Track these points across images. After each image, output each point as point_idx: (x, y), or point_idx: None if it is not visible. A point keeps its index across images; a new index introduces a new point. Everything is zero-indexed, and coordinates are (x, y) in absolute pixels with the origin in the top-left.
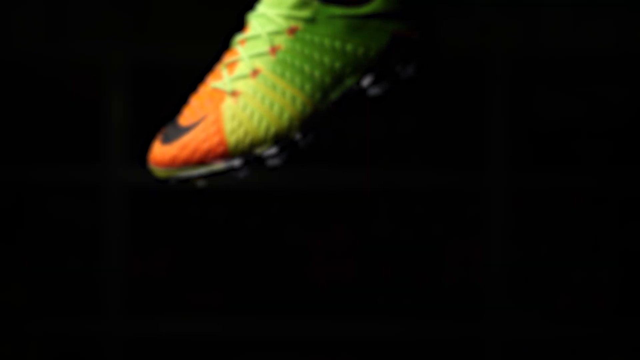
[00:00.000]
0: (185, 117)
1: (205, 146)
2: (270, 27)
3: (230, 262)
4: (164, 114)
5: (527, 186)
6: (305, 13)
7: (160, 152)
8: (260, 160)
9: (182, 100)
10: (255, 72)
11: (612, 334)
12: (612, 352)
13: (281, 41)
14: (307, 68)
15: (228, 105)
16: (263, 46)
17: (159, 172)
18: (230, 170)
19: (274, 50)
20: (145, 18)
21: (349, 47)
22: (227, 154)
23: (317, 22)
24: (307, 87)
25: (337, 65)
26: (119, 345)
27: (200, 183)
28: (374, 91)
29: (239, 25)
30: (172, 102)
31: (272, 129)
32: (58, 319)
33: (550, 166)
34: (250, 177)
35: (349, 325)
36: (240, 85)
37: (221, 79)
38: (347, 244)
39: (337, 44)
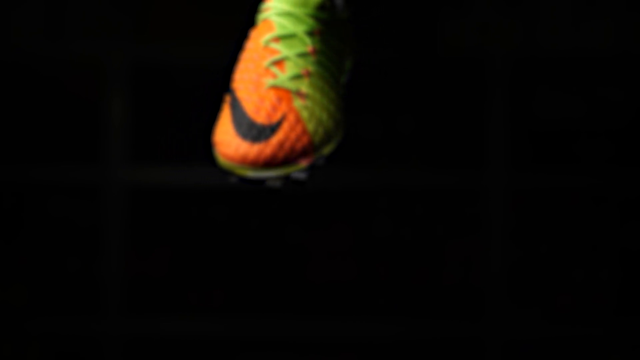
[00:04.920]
0: (260, 115)
1: (299, 146)
2: (304, 27)
3: (231, 262)
4: (164, 114)
5: (527, 186)
6: (325, 15)
7: (255, 151)
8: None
9: (182, 100)
10: (307, 73)
11: (612, 333)
12: (612, 352)
13: (315, 42)
14: (333, 69)
15: (301, 106)
16: (302, 46)
17: (244, 170)
18: (302, 171)
19: (313, 51)
20: (145, 18)
21: (346, 49)
22: (313, 154)
23: (330, 24)
24: (338, 87)
25: (342, 66)
26: (118, 345)
27: (278, 183)
28: None
29: (238, 24)
30: (172, 102)
31: (339, 130)
32: (58, 319)
33: (550, 166)
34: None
35: (349, 325)
36: (301, 85)
37: (275, 77)
38: (347, 244)
39: (341, 46)
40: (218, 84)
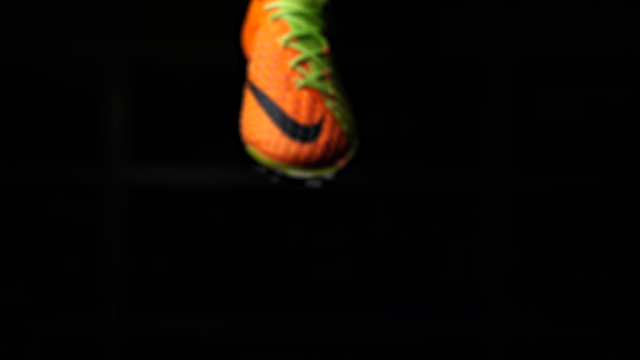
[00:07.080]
0: (301, 115)
1: (340, 146)
2: (317, 27)
3: (231, 262)
4: (164, 114)
5: (527, 185)
6: (328, 15)
7: (306, 151)
8: None
9: (182, 100)
10: (328, 74)
11: (612, 333)
12: (612, 351)
13: (326, 42)
14: (339, 69)
15: (332, 107)
16: (318, 47)
17: (287, 168)
18: (338, 172)
19: (328, 52)
20: (145, 18)
21: (337, 47)
22: (348, 155)
23: (331, 24)
24: (344, 85)
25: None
26: (118, 345)
27: (318, 183)
28: None
29: (237, 24)
30: (172, 102)
31: (358, 128)
32: (58, 319)
33: (550, 166)
34: (249, 176)
35: (348, 325)
36: (327, 87)
37: (303, 77)
38: (347, 244)
39: (335, 45)
40: (219, 84)
